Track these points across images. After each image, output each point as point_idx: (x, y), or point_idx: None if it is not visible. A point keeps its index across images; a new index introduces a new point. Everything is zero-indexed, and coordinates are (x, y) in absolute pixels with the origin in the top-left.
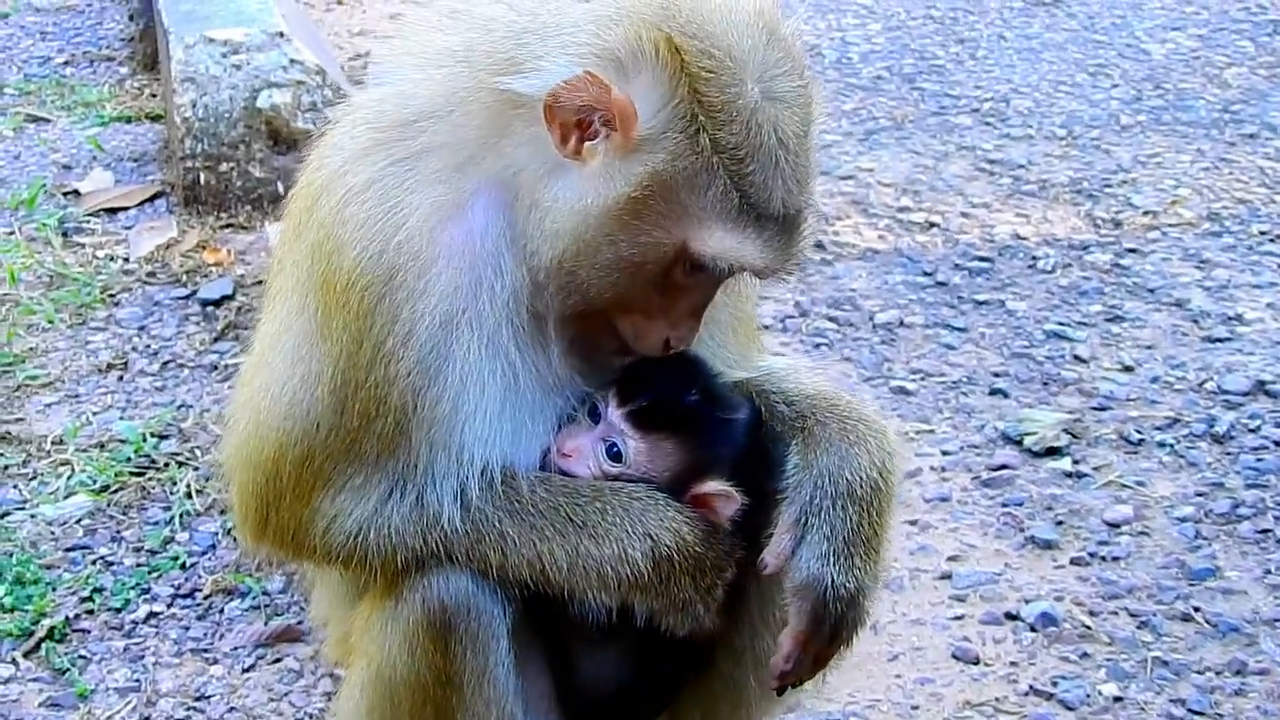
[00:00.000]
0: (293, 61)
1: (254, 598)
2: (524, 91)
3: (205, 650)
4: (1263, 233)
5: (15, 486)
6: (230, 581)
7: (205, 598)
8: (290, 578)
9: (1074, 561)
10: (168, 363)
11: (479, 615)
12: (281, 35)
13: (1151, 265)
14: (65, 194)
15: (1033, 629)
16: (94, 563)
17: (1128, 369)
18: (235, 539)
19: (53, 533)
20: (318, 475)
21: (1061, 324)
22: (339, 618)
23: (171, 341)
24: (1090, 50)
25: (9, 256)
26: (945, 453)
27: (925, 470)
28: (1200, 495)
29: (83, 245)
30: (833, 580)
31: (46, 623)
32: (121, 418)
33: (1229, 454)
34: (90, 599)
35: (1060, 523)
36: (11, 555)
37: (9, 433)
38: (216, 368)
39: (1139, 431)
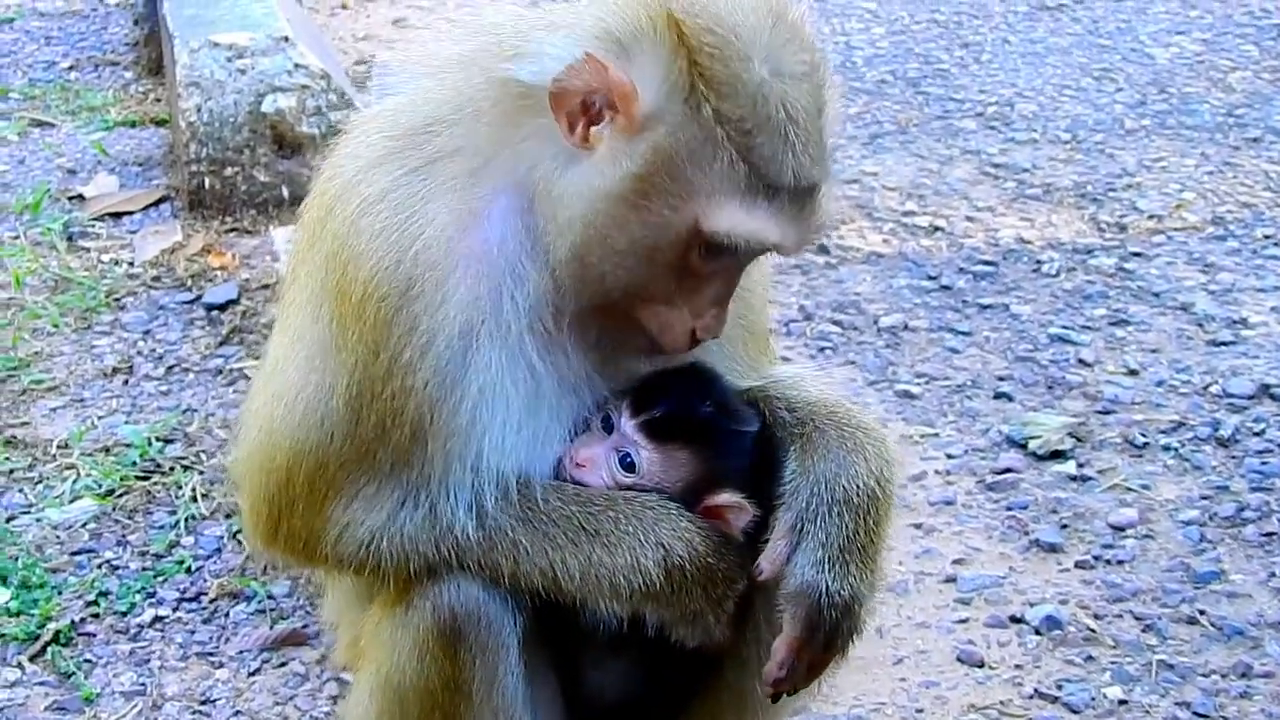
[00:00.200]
0: (297, 66)
1: (259, 602)
2: (528, 80)
3: (211, 654)
4: (1267, 236)
5: (21, 490)
6: (236, 585)
7: (211, 601)
8: (295, 582)
9: (1079, 565)
10: (173, 367)
11: (489, 623)
12: (286, 40)
13: (1156, 269)
14: (70, 198)
15: (1037, 632)
16: (99, 566)
17: (1132, 372)
18: (241, 543)
19: (58, 537)
20: (330, 484)
21: (1066, 328)
22: (349, 622)
23: (176, 346)
24: (1095, 54)
25: (14, 261)
26: (950, 456)
27: (930, 474)
28: (1205, 499)
29: (87, 250)
30: (827, 587)
31: (52, 626)
32: (126, 422)
33: (1234, 457)
34: (96, 603)
35: (1065, 526)
36: (17, 559)
37: (14, 437)
38: (221, 372)
39: (1144, 435)
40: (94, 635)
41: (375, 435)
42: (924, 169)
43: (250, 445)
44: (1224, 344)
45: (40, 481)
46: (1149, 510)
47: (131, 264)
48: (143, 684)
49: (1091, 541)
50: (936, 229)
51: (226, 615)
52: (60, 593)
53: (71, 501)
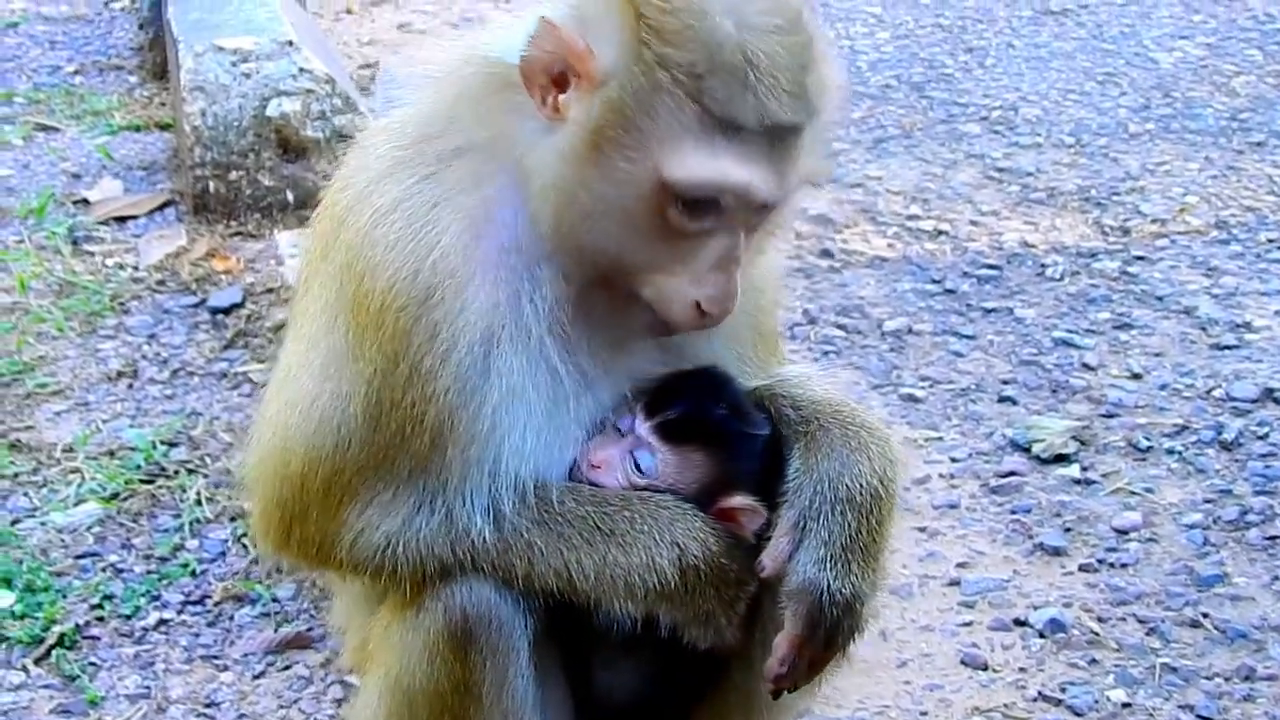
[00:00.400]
0: (302, 70)
1: (264, 605)
2: (503, 59)
3: (215, 657)
4: (1270, 240)
5: (26, 494)
6: (240, 589)
7: (215, 605)
8: (300, 585)
9: (1082, 568)
10: (177, 371)
11: (500, 626)
12: (291, 44)
13: (1160, 273)
14: (75, 203)
15: (1041, 635)
16: (104, 570)
17: (1136, 376)
18: (246, 546)
19: (63, 540)
20: (346, 490)
21: (1070, 331)
22: (358, 625)
23: (181, 349)
24: (1099, 59)
25: (19, 265)
26: (954, 460)
27: (934, 477)
28: (1208, 502)
29: (92, 254)
30: (828, 585)
31: (57, 630)
32: (131, 425)
33: (1237, 461)
34: (100, 606)
35: (1069, 529)
36: (22, 562)
37: (19, 441)
38: (226, 375)
39: (1147, 438)
40: (98, 638)
41: (394, 442)
42: (928, 173)
43: (263, 451)
44: (1227, 348)
45: (45, 485)
46: (1152, 514)
47: (136, 268)
48: (147, 687)
49: (1095, 545)
50: (940, 233)
51: (231, 619)
52: (65, 596)
53: (76, 505)
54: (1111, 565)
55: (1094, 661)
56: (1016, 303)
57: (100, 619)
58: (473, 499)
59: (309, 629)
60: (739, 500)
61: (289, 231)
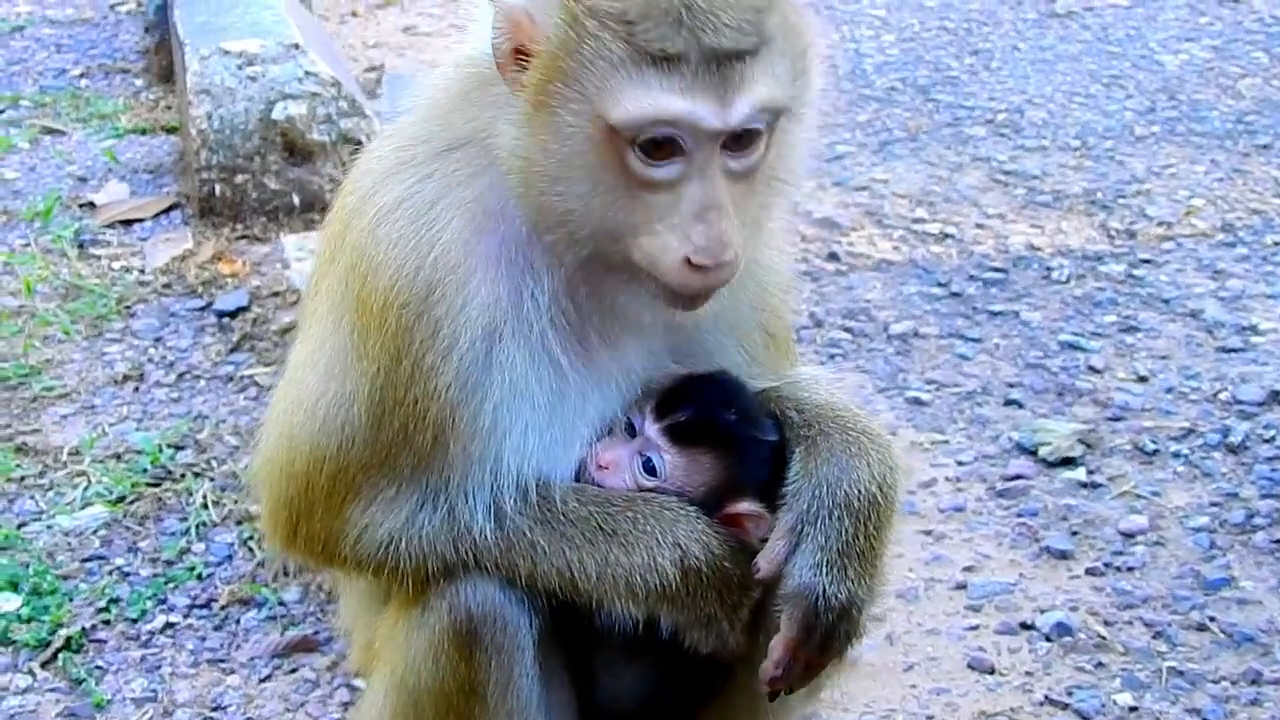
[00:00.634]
0: (308, 73)
1: (270, 608)
2: (482, 54)
3: (222, 660)
4: (1277, 243)
5: (32, 497)
6: (246, 592)
7: (222, 608)
8: (306, 588)
9: (1089, 571)
10: (183, 374)
11: (505, 625)
12: (297, 47)
13: (1166, 276)
14: (81, 206)
15: (1048, 639)
16: (110, 573)
17: (1142, 379)
18: (252, 549)
19: (69, 543)
20: (350, 488)
21: (1076, 334)
22: (364, 626)
23: (187, 353)
24: (1104, 61)
25: (25, 268)
26: (960, 463)
27: (940, 481)
28: (1215, 505)
29: (98, 257)
30: (824, 590)
31: (63, 633)
32: (137, 429)
33: (1244, 464)
34: (107, 609)
35: (1075, 533)
36: (28, 566)
37: (25, 444)
38: (232, 379)
39: (1154, 442)
40: (105, 642)
41: (397, 440)
42: (934, 176)
43: (270, 450)
44: (1234, 350)
45: (51, 488)
46: (1159, 517)
47: (142, 271)
48: (153, 690)
49: (1102, 548)
50: (946, 236)
51: (237, 622)
52: (71, 599)
53: (82, 508)
54: (1118, 569)
55: (1101, 665)
56: (1022, 306)
57: (106, 622)
58: (474, 496)
59: (315, 632)
60: (745, 506)
61: (295, 235)
